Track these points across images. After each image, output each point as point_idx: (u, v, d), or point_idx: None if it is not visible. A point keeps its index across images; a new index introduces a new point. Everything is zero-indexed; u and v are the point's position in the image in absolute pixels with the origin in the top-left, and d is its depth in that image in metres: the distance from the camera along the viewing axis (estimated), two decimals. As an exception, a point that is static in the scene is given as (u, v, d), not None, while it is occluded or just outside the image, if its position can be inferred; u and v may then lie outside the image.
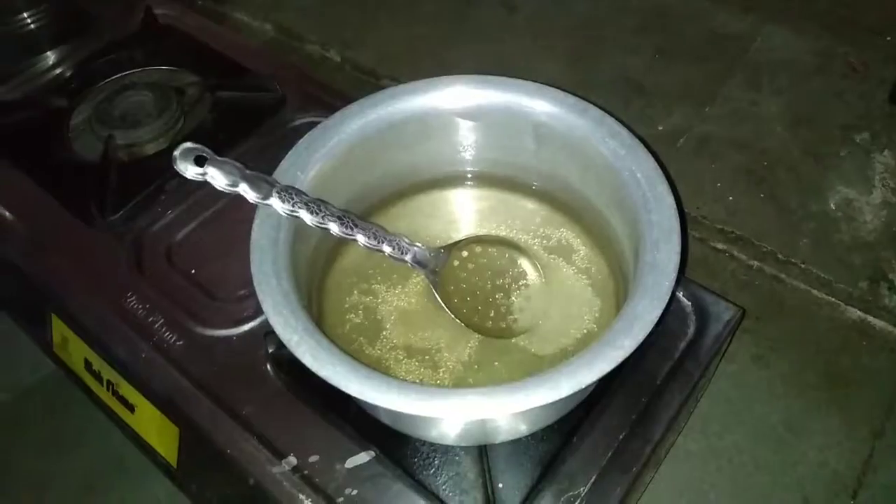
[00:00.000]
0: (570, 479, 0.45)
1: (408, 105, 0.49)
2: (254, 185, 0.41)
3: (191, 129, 0.68)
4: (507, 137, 0.50)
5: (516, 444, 0.46)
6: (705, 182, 0.75)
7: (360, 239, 0.45)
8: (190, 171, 0.40)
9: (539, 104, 0.48)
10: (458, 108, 0.49)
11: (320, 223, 0.43)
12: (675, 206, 0.42)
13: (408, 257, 0.47)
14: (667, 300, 0.38)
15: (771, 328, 0.64)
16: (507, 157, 0.51)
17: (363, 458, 0.46)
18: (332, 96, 0.70)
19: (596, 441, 0.46)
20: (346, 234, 0.44)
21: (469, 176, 0.54)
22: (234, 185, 0.41)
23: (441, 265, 0.48)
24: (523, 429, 0.44)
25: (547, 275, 0.50)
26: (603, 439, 0.46)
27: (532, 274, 0.50)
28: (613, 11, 0.94)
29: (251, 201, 0.42)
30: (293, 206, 0.42)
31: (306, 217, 0.42)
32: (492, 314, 0.48)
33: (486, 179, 0.54)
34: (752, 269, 0.68)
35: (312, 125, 0.48)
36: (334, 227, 0.43)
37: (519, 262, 0.50)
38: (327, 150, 0.46)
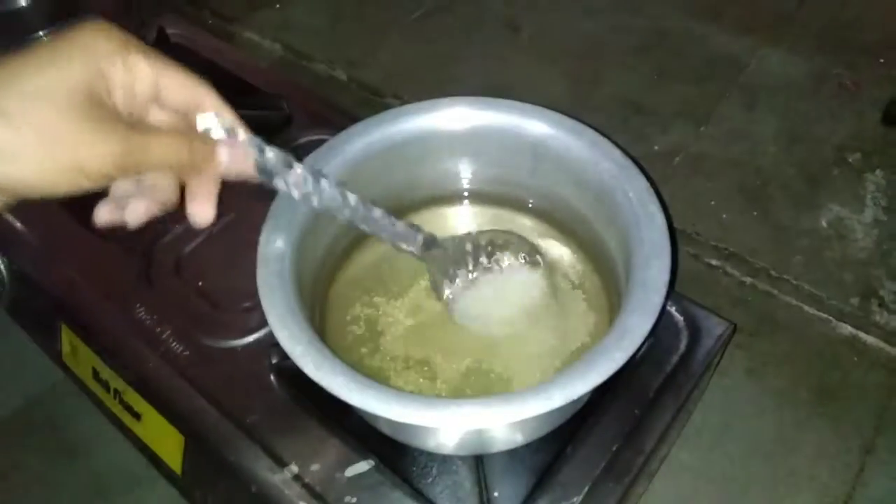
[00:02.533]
0: (564, 488, 0.46)
1: (410, 125, 0.50)
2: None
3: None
4: (506, 157, 0.52)
5: (512, 454, 0.48)
6: (700, 200, 0.76)
7: (377, 213, 0.44)
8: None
9: (537, 126, 0.50)
10: (459, 128, 0.51)
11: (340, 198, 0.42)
12: (665, 224, 0.44)
13: (420, 237, 0.47)
14: (657, 314, 0.40)
15: (764, 343, 0.66)
16: (505, 176, 0.53)
17: (363, 466, 0.48)
18: (337, 115, 0.72)
19: (590, 452, 0.48)
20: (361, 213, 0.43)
21: (467, 194, 0.56)
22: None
23: (448, 257, 0.49)
24: (518, 439, 0.46)
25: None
26: (596, 450, 0.48)
27: (534, 277, 0.51)
28: (614, 32, 0.97)
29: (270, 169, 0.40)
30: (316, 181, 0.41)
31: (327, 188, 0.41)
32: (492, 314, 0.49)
33: (483, 197, 0.55)
34: (745, 285, 0.69)
35: (318, 143, 0.50)
36: (353, 199, 0.42)
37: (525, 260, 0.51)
38: (332, 168, 0.48)
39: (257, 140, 0.38)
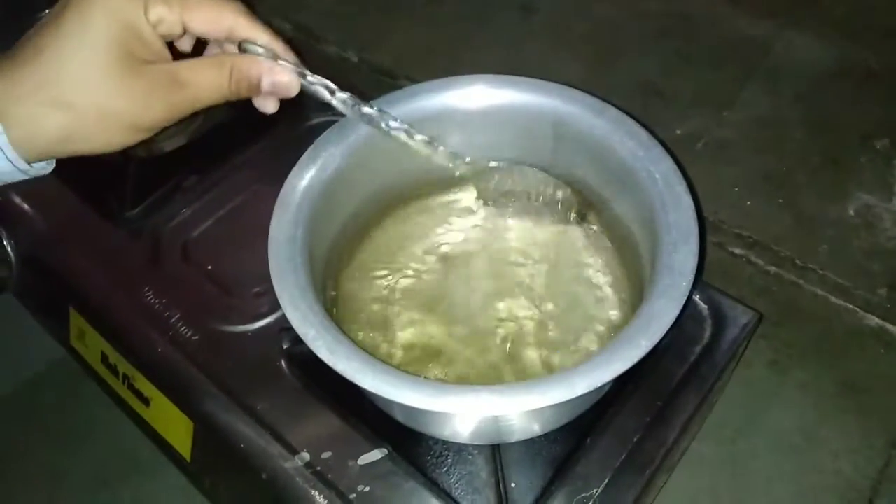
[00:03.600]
0: (584, 480, 0.45)
1: (427, 103, 0.49)
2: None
3: (209, 125, 0.68)
4: (526, 137, 0.50)
5: (530, 444, 0.46)
6: (723, 187, 0.74)
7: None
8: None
9: (557, 104, 0.48)
10: (477, 106, 0.50)
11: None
12: (693, 207, 0.42)
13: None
14: (684, 301, 0.38)
15: (788, 334, 0.64)
16: (524, 156, 0.51)
17: (376, 455, 0.46)
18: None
19: (610, 443, 0.46)
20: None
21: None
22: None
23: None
24: (537, 428, 0.44)
25: (562, 273, 0.50)
26: (617, 441, 0.46)
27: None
28: (633, 15, 0.94)
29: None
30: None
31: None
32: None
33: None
34: (769, 274, 0.67)
35: (329, 124, 0.49)
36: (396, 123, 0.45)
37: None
38: (346, 146, 0.46)
39: (299, 67, 0.41)
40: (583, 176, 0.49)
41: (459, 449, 0.46)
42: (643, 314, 0.38)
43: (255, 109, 0.69)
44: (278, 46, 0.40)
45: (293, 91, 0.40)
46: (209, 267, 0.58)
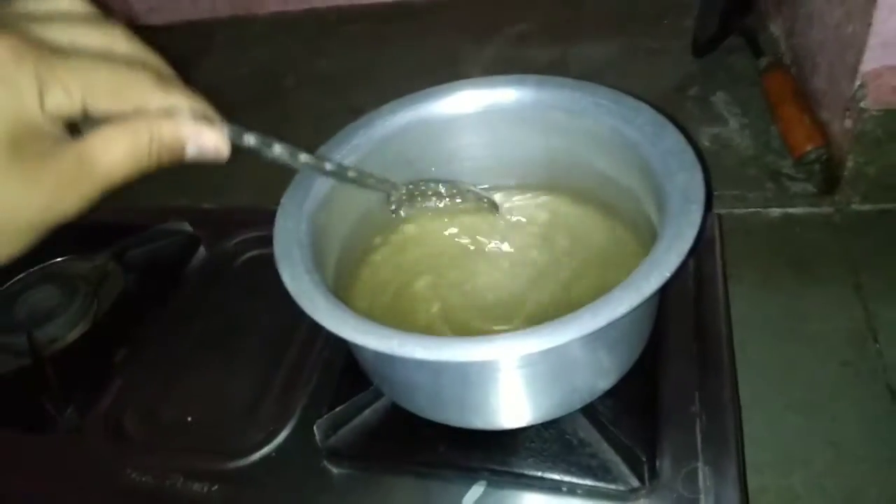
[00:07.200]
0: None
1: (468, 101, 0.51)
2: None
3: (109, 302, 0.62)
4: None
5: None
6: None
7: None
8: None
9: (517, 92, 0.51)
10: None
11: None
12: (681, 136, 0.43)
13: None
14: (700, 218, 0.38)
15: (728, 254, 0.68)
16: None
17: (478, 490, 0.42)
18: (247, 214, 0.68)
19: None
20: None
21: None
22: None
23: None
24: (606, 361, 0.42)
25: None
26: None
27: None
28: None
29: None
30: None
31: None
32: None
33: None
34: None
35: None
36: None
37: None
38: (373, 134, 0.49)
39: (228, 126, 0.35)
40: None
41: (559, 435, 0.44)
42: (665, 237, 0.38)
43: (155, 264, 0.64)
44: (201, 108, 0.34)
45: (224, 155, 0.35)
46: (189, 418, 0.51)
